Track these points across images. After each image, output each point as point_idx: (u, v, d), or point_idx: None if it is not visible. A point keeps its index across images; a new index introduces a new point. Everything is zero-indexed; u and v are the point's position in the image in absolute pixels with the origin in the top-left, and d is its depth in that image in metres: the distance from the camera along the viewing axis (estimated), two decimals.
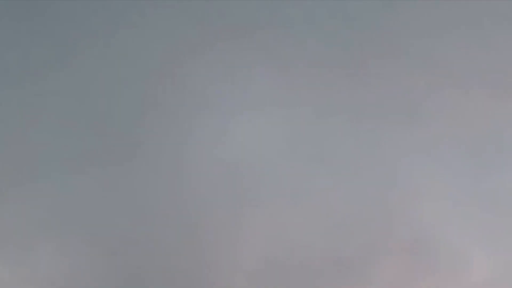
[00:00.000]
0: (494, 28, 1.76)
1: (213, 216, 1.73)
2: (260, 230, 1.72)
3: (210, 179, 1.74)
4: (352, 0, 1.77)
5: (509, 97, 1.75)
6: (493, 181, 1.72)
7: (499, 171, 1.73)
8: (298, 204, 1.73)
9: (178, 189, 1.73)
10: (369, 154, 1.74)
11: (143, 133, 1.76)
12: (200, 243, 1.72)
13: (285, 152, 1.75)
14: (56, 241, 1.73)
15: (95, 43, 1.80)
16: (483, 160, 1.73)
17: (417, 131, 1.74)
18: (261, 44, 1.78)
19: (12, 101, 1.78)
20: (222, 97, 1.77)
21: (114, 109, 1.77)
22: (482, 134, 1.74)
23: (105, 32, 1.80)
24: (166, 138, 1.76)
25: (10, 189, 1.75)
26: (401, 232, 1.71)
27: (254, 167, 1.74)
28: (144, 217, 1.74)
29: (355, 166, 1.74)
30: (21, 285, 1.71)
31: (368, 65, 1.75)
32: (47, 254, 1.73)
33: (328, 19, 1.78)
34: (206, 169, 1.74)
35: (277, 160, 1.75)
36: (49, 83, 1.79)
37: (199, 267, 1.72)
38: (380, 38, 1.75)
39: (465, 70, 1.75)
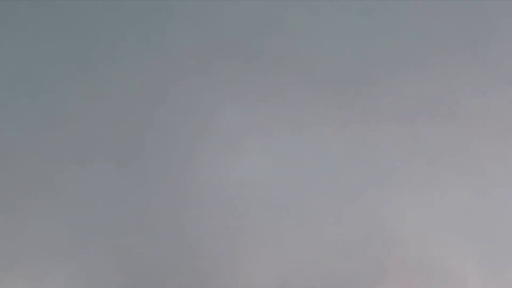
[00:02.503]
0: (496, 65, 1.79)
1: (216, 241, 1.75)
2: (263, 255, 1.74)
3: (213, 204, 1.75)
4: (354, 38, 1.80)
5: (508, 132, 1.77)
6: (490, 208, 1.75)
7: (497, 199, 1.75)
8: (302, 228, 1.75)
9: (182, 215, 1.75)
10: (373, 182, 1.77)
11: (149, 162, 1.78)
12: (204, 267, 1.75)
13: (289, 177, 1.77)
14: (75, 260, 1.74)
15: (108, 53, 1.81)
16: (481, 188, 1.76)
17: (418, 161, 1.77)
18: (267, 70, 1.80)
19: (31, 120, 1.79)
20: (226, 122, 1.78)
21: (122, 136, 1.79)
22: (481, 165, 1.77)
23: (118, 43, 1.80)
24: (170, 164, 1.77)
25: (29, 207, 1.76)
26: (402, 256, 1.73)
27: (257, 192, 1.76)
28: (158, 239, 1.75)
29: (360, 193, 1.76)
30: None
31: (372, 105, 1.78)
32: (66, 273, 1.74)
33: (334, 54, 1.81)
34: (209, 193, 1.75)
35: (281, 185, 1.77)
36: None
37: None
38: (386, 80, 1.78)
39: (464, 108, 1.78)
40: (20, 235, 1.75)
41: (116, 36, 1.81)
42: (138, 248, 1.75)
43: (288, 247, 1.75)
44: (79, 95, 1.79)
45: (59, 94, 1.79)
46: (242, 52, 1.80)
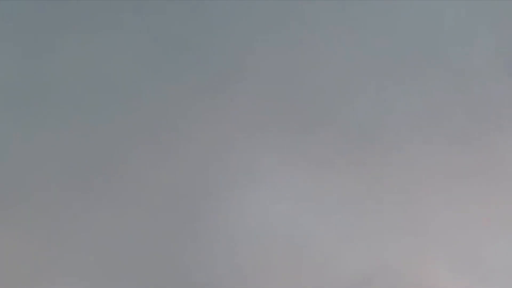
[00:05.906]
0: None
1: (230, 279, 1.77)
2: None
3: (227, 241, 1.76)
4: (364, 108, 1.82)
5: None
6: (497, 250, 1.78)
7: (504, 243, 1.79)
8: (310, 265, 1.77)
9: (195, 251, 1.75)
10: (376, 224, 1.80)
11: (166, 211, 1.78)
12: None
13: (301, 216, 1.78)
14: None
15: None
16: (488, 231, 1.78)
17: (428, 204, 1.79)
18: (287, 107, 1.82)
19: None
20: (240, 159, 1.78)
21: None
22: (487, 208, 1.79)
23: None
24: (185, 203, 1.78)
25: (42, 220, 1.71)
26: None
27: (271, 230, 1.78)
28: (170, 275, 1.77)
29: (363, 234, 1.78)
30: None
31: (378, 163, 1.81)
32: None
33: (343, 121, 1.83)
34: (222, 232, 1.76)
35: (293, 224, 1.78)
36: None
37: None
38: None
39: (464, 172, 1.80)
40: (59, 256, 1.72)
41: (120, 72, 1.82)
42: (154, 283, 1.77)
43: (298, 283, 1.77)
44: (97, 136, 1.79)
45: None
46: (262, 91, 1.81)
